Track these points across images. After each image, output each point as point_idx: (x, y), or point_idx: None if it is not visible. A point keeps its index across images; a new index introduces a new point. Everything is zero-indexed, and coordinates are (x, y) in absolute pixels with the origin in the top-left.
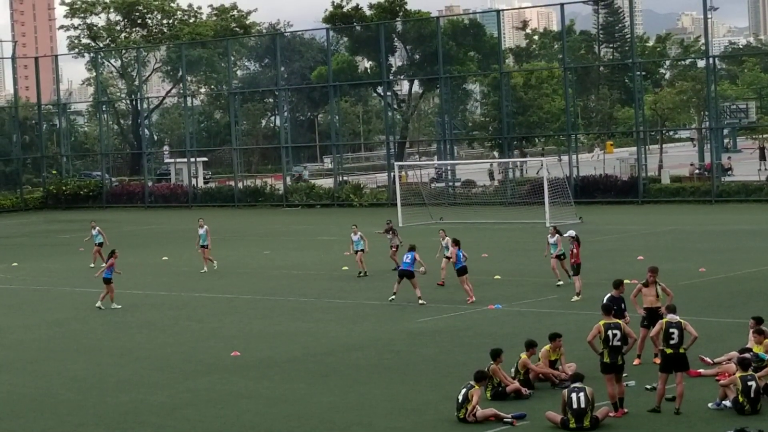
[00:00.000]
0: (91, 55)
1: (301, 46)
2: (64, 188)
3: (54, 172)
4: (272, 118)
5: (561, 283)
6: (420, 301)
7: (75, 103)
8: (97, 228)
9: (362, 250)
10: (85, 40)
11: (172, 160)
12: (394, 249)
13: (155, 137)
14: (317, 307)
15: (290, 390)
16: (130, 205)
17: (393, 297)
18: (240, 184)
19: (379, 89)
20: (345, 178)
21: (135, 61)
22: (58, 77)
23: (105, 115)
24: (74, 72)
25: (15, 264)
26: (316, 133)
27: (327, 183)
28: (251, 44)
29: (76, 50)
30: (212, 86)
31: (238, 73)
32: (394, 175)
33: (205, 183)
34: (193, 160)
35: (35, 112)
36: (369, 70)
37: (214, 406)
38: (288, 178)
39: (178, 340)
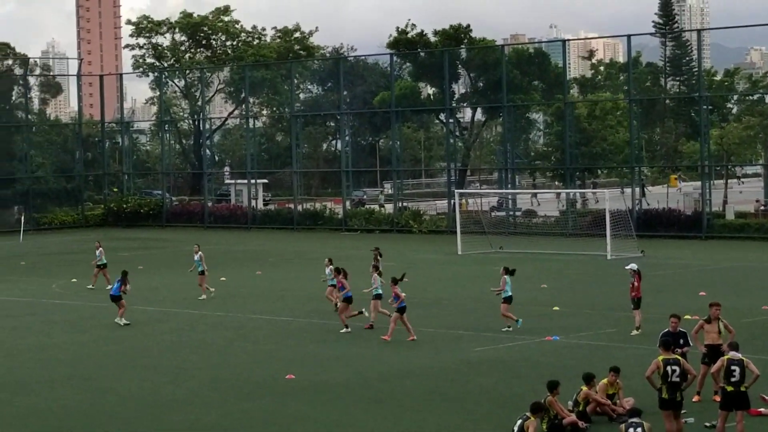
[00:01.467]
0: (156, 74)
1: (364, 70)
2: (124, 206)
3: (115, 189)
4: (333, 141)
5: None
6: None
7: (138, 121)
8: (101, 249)
9: (334, 285)
10: (149, 60)
11: (233, 181)
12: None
13: (216, 158)
14: (373, 333)
15: (344, 415)
16: (190, 225)
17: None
18: (299, 207)
19: (442, 116)
20: (405, 204)
21: (198, 81)
22: (122, 95)
23: (167, 135)
24: (138, 91)
25: (74, 280)
26: (377, 158)
27: (386, 208)
28: (314, 67)
29: (141, 69)
30: (274, 108)
31: (301, 95)
32: (454, 203)
33: (264, 205)
34: (253, 181)
35: (98, 129)
36: (432, 97)
37: (267, 428)
38: (348, 203)
39: (233, 361)
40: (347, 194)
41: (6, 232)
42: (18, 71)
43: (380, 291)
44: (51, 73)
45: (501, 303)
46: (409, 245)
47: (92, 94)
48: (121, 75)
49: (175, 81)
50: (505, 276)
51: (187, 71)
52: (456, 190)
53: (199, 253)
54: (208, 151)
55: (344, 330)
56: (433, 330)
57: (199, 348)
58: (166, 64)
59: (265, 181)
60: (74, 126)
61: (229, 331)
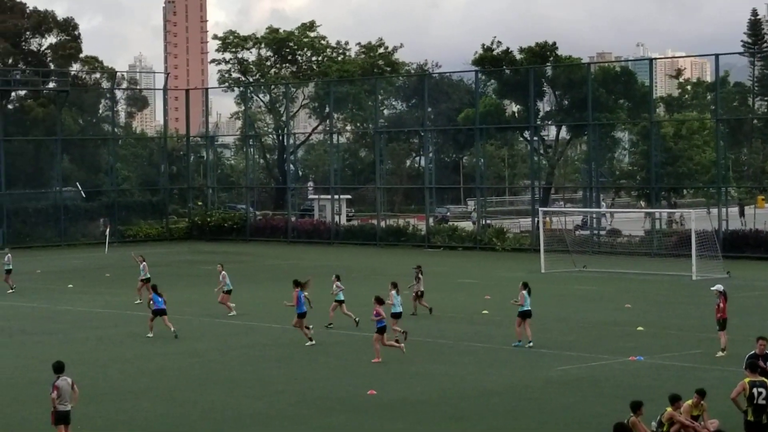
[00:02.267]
0: (241, 89)
1: (449, 87)
2: (208, 220)
3: (200, 203)
4: (417, 158)
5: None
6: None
7: (223, 135)
8: (144, 263)
9: (343, 301)
10: (235, 74)
11: (316, 197)
12: (417, 294)
13: (300, 173)
14: (455, 350)
15: (425, 431)
16: (273, 240)
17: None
18: (383, 223)
19: (526, 134)
20: (488, 221)
21: (283, 96)
22: (207, 110)
23: (251, 149)
24: (223, 105)
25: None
26: (460, 175)
27: (469, 226)
28: (399, 83)
29: (226, 84)
30: (358, 124)
31: (385, 111)
32: (538, 221)
33: (348, 220)
34: (336, 197)
35: (184, 143)
36: (516, 114)
37: None
38: (431, 219)
39: (315, 376)
40: (430, 211)
41: (91, 244)
42: (105, 85)
43: (399, 309)
44: (137, 87)
45: (516, 317)
46: (491, 263)
47: (178, 108)
48: (206, 89)
49: (260, 96)
50: (524, 291)
51: (272, 86)
52: (540, 208)
53: (223, 272)
54: (292, 166)
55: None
56: (516, 349)
57: (281, 362)
58: (251, 79)
59: (349, 196)
60: (160, 140)
61: (310, 346)
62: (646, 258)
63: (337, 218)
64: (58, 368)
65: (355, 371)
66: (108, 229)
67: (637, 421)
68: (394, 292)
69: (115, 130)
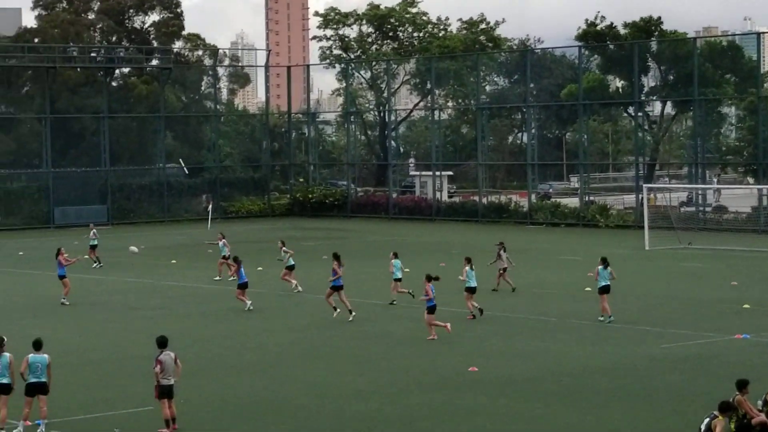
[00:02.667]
0: (342, 65)
1: (552, 62)
2: (310, 196)
3: (301, 179)
4: (519, 134)
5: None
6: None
7: (324, 112)
8: (224, 240)
9: (399, 279)
10: (336, 51)
11: (417, 173)
12: (501, 271)
13: (401, 149)
14: (557, 327)
15: (527, 409)
16: (374, 216)
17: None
18: (484, 200)
19: (630, 109)
20: (591, 198)
21: (384, 73)
22: (308, 86)
23: (353, 126)
24: (324, 82)
25: (260, 268)
26: (563, 151)
27: (572, 202)
28: (501, 59)
29: (328, 61)
30: (460, 100)
31: (487, 88)
32: (642, 197)
33: (449, 197)
34: (438, 173)
35: (285, 120)
36: (620, 90)
37: (450, 420)
38: (533, 196)
39: (416, 353)
40: (533, 187)
41: (194, 219)
42: (208, 62)
43: (473, 284)
44: (240, 64)
45: (599, 294)
46: (595, 240)
47: (279, 85)
48: (308, 66)
49: (362, 72)
50: (600, 267)
51: (374, 63)
52: (644, 185)
53: (284, 249)
54: (393, 142)
55: (430, 337)
56: (619, 326)
57: (381, 338)
58: (352, 56)
59: (450, 173)
60: (261, 116)
61: (412, 322)
62: (753, 235)
63: (438, 195)
64: (162, 343)
65: (457, 348)
66: (211, 206)
67: (743, 400)
68: (468, 267)
69: (218, 107)
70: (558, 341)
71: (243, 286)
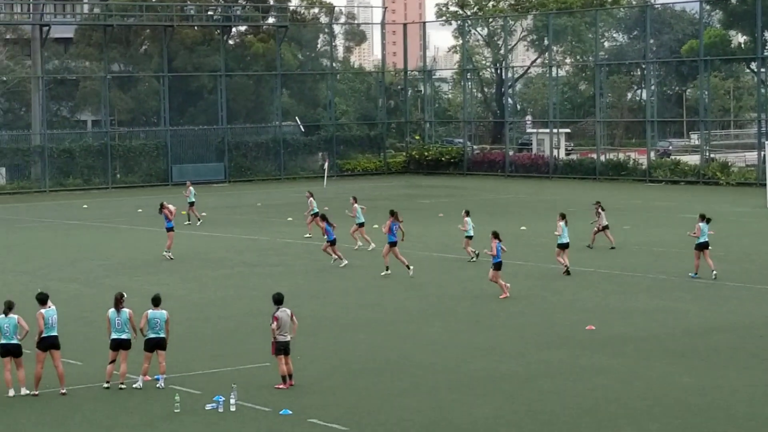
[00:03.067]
0: (459, 22)
1: (672, 18)
2: (426, 154)
3: (417, 137)
4: (638, 91)
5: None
6: None
7: (440, 70)
8: (311, 199)
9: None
10: (453, 8)
11: (534, 130)
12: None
13: (518, 107)
14: (677, 286)
15: (646, 368)
16: (490, 174)
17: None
18: (602, 157)
19: (753, 65)
20: (712, 155)
21: (501, 29)
22: (425, 44)
23: (469, 83)
24: (441, 39)
25: (375, 226)
26: (683, 108)
27: (693, 160)
28: (620, 15)
29: (444, 18)
30: (578, 57)
31: (605, 44)
32: (764, 155)
33: (566, 155)
34: (555, 131)
35: (401, 77)
36: (743, 45)
37: (568, 378)
38: (652, 153)
39: (533, 311)
40: (652, 145)
41: (310, 177)
42: (324, 20)
43: (566, 240)
44: (355, 22)
45: (694, 249)
46: (715, 197)
47: (395, 43)
48: (424, 23)
49: (478, 29)
50: (700, 223)
51: (490, 19)
52: (766, 142)
53: (355, 205)
54: (509, 99)
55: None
56: (740, 285)
57: (498, 297)
58: (469, 13)
59: (568, 130)
60: (377, 74)
61: (529, 280)
62: None
63: (555, 152)
64: (278, 300)
65: (574, 306)
66: (327, 163)
67: None
68: (561, 222)
69: (334, 64)
70: (677, 300)
71: (332, 243)
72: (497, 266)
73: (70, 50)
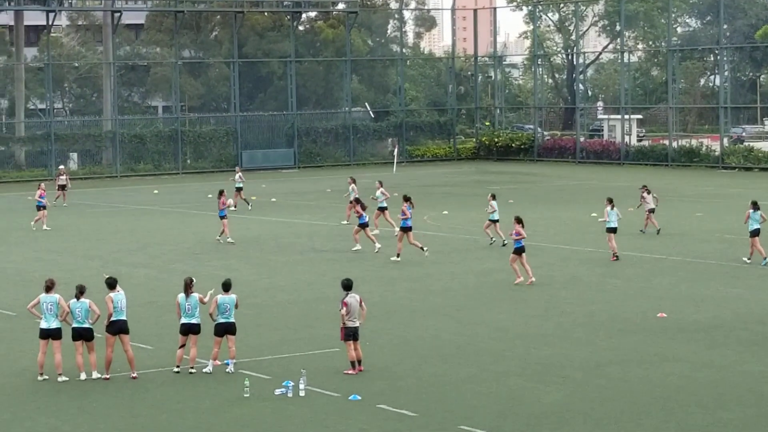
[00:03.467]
0: (529, 8)
1: (745, 3)
2: (496, 140)
3: (487, 123)
4: (711, 77)
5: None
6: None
7: (511, 55)
8: (353, 186)
9: (496, 221)
10: None
11: (606, 117)
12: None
13: (589, 92)
14: (751, 273)
15: (718, 356)
16: (561, 160)
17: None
18: (674, 144)
19: None
20: None
21: (572, 15)
22: (495, 29)
23: (540, 69)
24: (511, 25)
25: (445, 212)
26: (757, 94)
27: (766, 146)
28: (693, 1)
29: (515, 3)
30: (650, 42)
31: (678, 29)
32: None
33: (638, 141)
34: (627, 117)
35: (471, 63)
36: None
37: (638, 366)
38: (725, 140)
39: (604, 298)
40: (725, 131)
41: (380, 163)
42: (393, 5)
43: (614, 225)
44: (425, 8)
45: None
46: None
47: (466, 28)
48: (494, 9)
49: (549, 15)
50: (750, 210)
51: (561, 5)
52: None
53: (492, 202)
54: (581, 85)
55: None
56: None
57: (569, 283)
58: None
59: (640, 116)
60: (447, 60)
61: (599, 267)
62: None
63: (627, 138)
64: (347, 285)
65: (644, 293)
66: (397, 149)
67: None
68: (609, 207)
69: (403, 50)
70: (749, 287)
71: (363, 226)
72: (518, 251)
73: (141, 36)
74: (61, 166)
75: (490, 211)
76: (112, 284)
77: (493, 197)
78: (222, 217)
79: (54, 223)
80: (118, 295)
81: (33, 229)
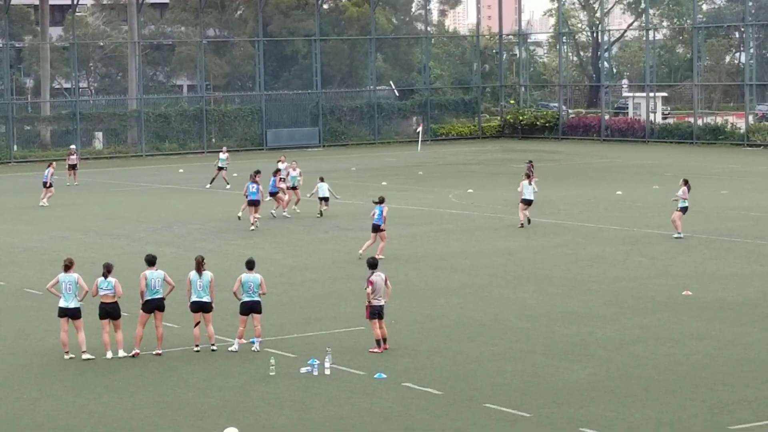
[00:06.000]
0: None
1: None
2: (520, 118)
3: (512, 101)
4: (737, 54)
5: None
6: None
7: (535, 33)
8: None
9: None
10: None
11: (630, 94)
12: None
13: (614, 70)
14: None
15: (742, 334)
16: (586, 138)
17: None
18: (700, 121)
19: None
20: None
21: None
22: (520, 7)
23: (565, 47)
24: (536, 2)
25: (470, 190)
26: None
27: None
28: None
29: None
30: (675, 20)
31: (703, 6)
32: None
33: (663, 118)
34: (652, 94)
35: (496, 41)
36: None
37: (663, 344)
38: (750, 117)
39: (629, 276)
40: (750, 108)
41: (404, 142)
42: None
43: (685, 204)
44: None
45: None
46: None
47: (490, 6)
48: None
49: None
50: None
51: None
52: None
53: (684, 188)
54: (605, 63)
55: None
56: None
57: (594, 261)
58: None
59: (664, 94)
60: (472, 38)
61: (625, 245)
62: None
63: (652, 116)
64: (373, 264)
65: (670, 271)
66: (421, 128)
67: None
68: (684, 187)
69: (428, 28)
70: None
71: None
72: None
73: (166, 15)
74: (72, 146)
75: (678, 198)
76: (151, 261)
77: (686, 183)
78: (273, 194)
79: (78, 202)
80: (154, 274)
81: (44, 205)
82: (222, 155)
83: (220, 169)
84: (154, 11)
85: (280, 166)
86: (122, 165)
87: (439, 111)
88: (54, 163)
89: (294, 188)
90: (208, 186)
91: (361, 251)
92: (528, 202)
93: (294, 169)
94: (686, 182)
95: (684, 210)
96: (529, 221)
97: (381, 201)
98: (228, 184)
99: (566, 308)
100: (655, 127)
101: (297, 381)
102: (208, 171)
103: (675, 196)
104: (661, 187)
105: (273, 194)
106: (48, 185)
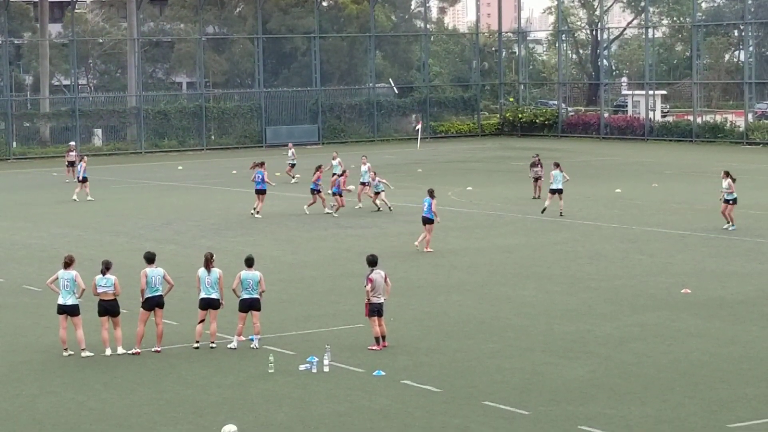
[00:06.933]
0: None
1: None
2: (520, 116)
3: (511, 99)
4: (736, 52)
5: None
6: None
7: (535, 31)
8: (368, 164)
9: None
10: None
11: (630, 92)
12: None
13: (613, 68)
14: None
15: (742, 331)
16: (585, 136)
17: None
18: (699, 119)
19: None
20: None
21: None
22: (519, 5)
23: (564, 45)
24: (535, 0)
25: (469, 188)
26: None
27: None
28: None
29: None
30: (674, 18)
31: (703, 5)
32: None
33: (662, 116)
34: (651, 92)
35: (495, 39)
36: None
37: (663, 342)
38: (750, 115)
39: (628, 273)
40: (750, 107)
41: (404, 139)
42: None
43: (733, 196)
44: None
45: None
46: None
47: (489, 4)
48: None
49: None
50: None
51: None
52: None
53: (728, 180)
54: (605, 61)
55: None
56: None
57: (593, 259)
58: None
59: (664, 92)
60: (471, 36)
61: (624, 243)
62: None
63: (651, 114)
64: (372, 261)
65: (669, 269)
66: (420, 125)
67: None
68: (729, 180)
69: (427, 26)
70: None
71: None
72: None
73: (165, 12)
74: (72, 143)
75: (727, 190)
76: (150, 259)
77: (727, 175)
78: (314, 191)
79: (78, 199)
80: (154, 271)
81: (78, 199)
82: (290, 152)
83: (292, 166)
84: (153, 8)
85: (333, 162)
86: (121, 162)
87: (438, 108)
88: (85, 157)
89: (364, 184)
90: (293, 181)
91: (416, 243)
92: (557, 191)
93: (364, 164)
94: (728, 174)
95: (734, 201)
96: (561, 214)
97: (431, 193)
98: (293, 178)
99: (565, 306)
100: (655, 125)
101: (296, 378)
102: (207, 168)
103: (721, 190)
104: (661, 185)
105: (314, 192)
106: (82, 180)
